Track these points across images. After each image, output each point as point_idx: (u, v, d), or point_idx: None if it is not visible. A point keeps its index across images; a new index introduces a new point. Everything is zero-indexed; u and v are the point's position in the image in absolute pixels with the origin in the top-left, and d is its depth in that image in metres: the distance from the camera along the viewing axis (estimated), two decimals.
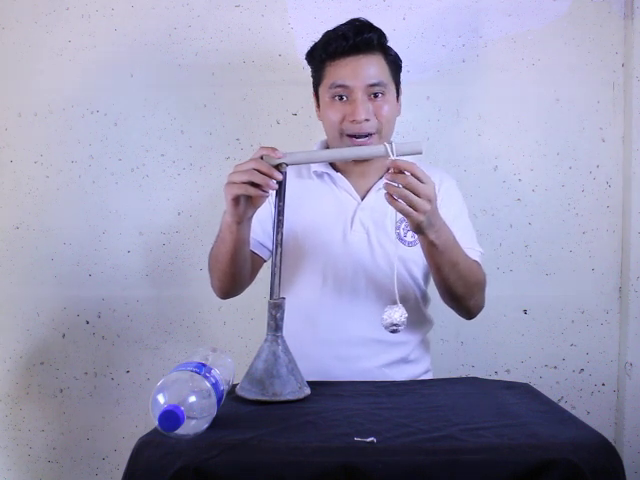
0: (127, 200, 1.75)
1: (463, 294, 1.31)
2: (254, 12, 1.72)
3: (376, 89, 1.32)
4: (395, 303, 1.13)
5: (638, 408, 1.69)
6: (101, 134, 1.75)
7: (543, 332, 1.74)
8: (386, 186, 1.10)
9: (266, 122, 1.73)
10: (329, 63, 1.33)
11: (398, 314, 1.12)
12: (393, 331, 1.13)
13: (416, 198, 1.10)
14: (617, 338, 1.73)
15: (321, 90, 1.37)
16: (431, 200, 1.12)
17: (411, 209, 1.10)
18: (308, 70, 1.43)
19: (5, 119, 1.76)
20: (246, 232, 1.24)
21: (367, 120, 1.31)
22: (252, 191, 1.12)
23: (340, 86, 1.32)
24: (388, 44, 1.38)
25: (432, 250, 1.22)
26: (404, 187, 1.09)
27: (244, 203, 1.15)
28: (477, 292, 1.34)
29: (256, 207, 1.18)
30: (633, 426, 1.69)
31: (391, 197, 1.10)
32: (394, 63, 1.37)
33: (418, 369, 1.42)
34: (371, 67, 1.32)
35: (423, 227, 1.15)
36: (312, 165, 1.42)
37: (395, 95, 1.38)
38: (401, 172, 1.09)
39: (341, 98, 1.32)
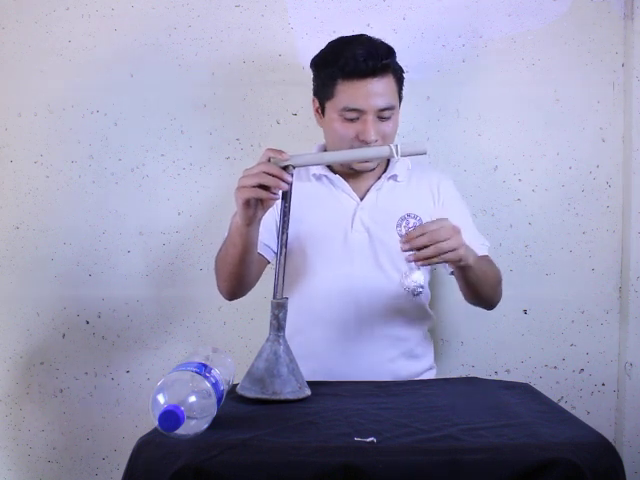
0: (127, 200, 1.75)
1: (492, 295, 1.39)
2: (254, 12, 1.72)
3: (386, 113, 1.34)
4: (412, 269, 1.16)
5: (638, 408, 1.69)
6: (101, 134, 1.75)
7: (543, 332, 1.74)
8: (415, 258, 1.13)
9: (266, 122, 1.73)
10: (341, 82, 1.33)
11: (418, 275, 1.16)
12: (415, 293, 1.16)
13: (444, 243, 1.13)
14: (617, 338, 1.73)
15: (329, 105, 1.37)
16: (457, 232, 1.15)
17: (449, 253, 1.14)
18: (308, 70, 1.43)
19: (5, 119, 1.75)
20: (255, 234, 1.26)
21: (376, 140, 1.33)
22: (263, 194, 1.15)
23: (353, 110, 1.33)
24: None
25: (470, 273, 1.27)
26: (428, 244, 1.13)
27: (255, 206, 1.18)
28: (500, 285, 1.42)
29: (266, 209, 1.20)
30: (633, 426, 1.69)
31: (426, 260, 1.14)
32: (400, 79, 1.39)
33: (422, 365, 1.45)
34: (382, 90, 1.33)
35: (464, 263, 1.20)
36: (311, 168, 1.44)
37: (399, 109, 1.40)
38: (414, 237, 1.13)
39: (351, 118, 1.34)
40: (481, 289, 1.34)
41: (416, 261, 1.13)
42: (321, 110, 1.40)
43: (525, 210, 1.73)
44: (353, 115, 1.33)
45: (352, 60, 1.31)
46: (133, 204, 1.75)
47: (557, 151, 1.72)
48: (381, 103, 1.32)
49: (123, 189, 1.75)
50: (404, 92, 1.44)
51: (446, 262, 1.18)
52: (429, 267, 1.44)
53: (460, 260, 1.18)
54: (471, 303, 1.42)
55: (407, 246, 1.13)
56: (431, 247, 1.12)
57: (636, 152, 1.67)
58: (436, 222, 1.15)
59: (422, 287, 1.17)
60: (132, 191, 1.75)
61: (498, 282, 1.40)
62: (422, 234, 1.12)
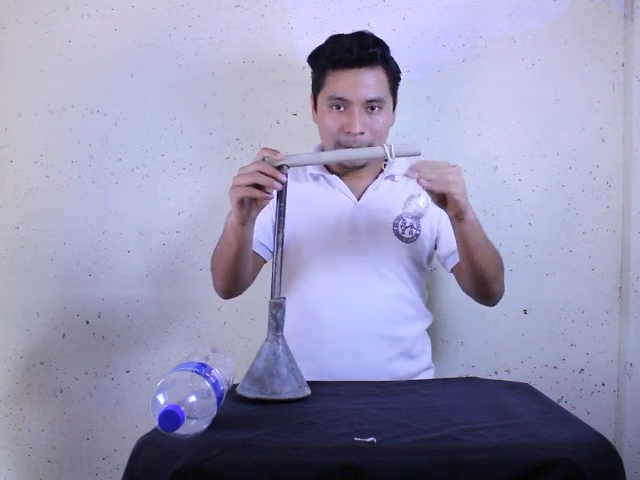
0: (127, 200, 1.75)
1: (494, 276, 1.34)
2: (254, 12, 1.72)
3: (374, 104, 1.33)
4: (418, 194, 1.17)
5: (638, 408, 1.69)
6: (101, 134, 1.75)
7: (543, 332, 1.74)
8: (420, 176, 1.14)
9: (266, 122, 1.73)
10: (330, 73, 1.34)
11: (422, 200, 1.16)
12: (415, 217, 1.16)
13: (446, 175, 1.14)
14: (617, 338, 1.73)
15: (320, 97, 1.38)
16: (457, 170, 1.16)
17: (452, 185, 1.15)
18: (308, 70, 1.44)
19: (5, 119, 1.75)
20: (250, 233, 1.27)
21: (362, 133, 1.33)
22: (257, 193, 1.15)
23: (339, 98, 1.33)
24: (390, 55, 1.38)
25: (471, 231, 1.24)
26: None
27: (249, 205, 1.18)
28: (502, 273, 1.38)
29: (260, 208, 1.21)
30: (633, 426, 1.69)
31: (431, 184, 1.14)
32: (394, 76, 1.39)
33: (420, 365, 1.45)
34: (371, 82, 1.33)
35: (463, 205, 1.18)
36: (308, 168, 1.44)
37: (391, 107, 1.40)
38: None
39: (338, 107, 1.34)
40: (484, 257, 1.29)
41: (419, 180, 1.14)
42: (315, 104, 1.42)
43: (525, 210, 1.73)
44: (339, 104, 1.33)
45: (338, 50, 1.32)
46: (133, 204, 1.75)
47: (557, 151, 1.72)
48: (368, 94, 1.32)
49: (123, 189, 1.75)
50: (404, 92, 1.44)
51: (448, 195, 1.17)
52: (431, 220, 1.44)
53: (461, 195, 1.17)
54: (473, 292, 1.38)
55: (413, 172, 1.14)
56: (434, 174, 1.14)
57: (636, 152, 1.67)
58: (436, 161, 1.17)
59: (425, 211, 1.18)
60: (132, 191, 1.75)
61: (501, 264, 1.36)
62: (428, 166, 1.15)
